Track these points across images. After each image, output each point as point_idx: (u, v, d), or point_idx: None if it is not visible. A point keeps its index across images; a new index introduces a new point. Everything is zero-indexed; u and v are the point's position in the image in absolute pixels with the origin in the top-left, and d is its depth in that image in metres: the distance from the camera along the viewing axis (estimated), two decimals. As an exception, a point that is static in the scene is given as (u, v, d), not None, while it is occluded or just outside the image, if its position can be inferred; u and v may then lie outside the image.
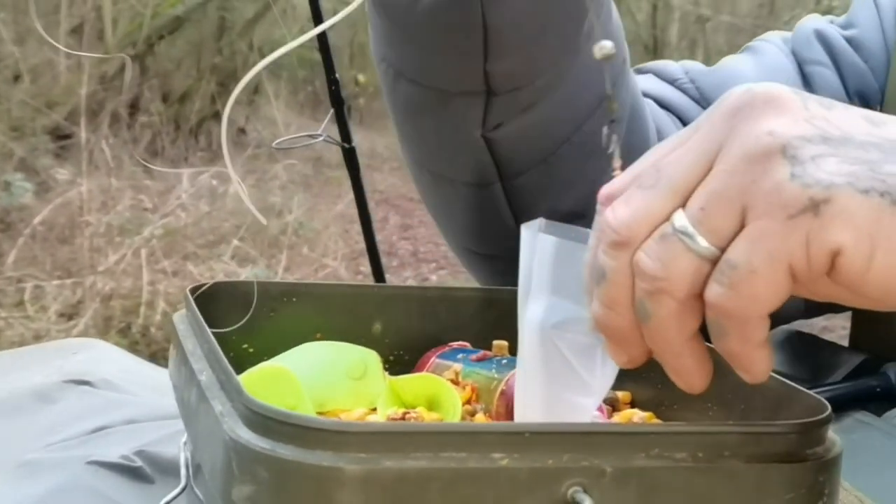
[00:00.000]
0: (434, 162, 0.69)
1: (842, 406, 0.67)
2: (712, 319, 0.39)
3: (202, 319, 0.48)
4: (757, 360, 0.40)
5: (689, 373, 0.41)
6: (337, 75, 1.19)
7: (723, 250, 0.38)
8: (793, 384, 0.47)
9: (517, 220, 0.66)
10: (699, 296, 0.39)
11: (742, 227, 0.38)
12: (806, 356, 0.72)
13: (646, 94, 0.76)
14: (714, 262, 0.38)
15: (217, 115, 4.20)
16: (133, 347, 2.61)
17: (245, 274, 3.13)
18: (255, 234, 3.50)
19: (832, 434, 0.44)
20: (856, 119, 0.39)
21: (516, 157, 0.65)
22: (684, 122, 0.75)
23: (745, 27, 4.99)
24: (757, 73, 0.75)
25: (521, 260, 0.45)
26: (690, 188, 0.39)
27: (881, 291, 0.37)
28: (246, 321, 0.55)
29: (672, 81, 0.78)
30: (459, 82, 0.63)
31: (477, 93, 0.63)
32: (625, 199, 0.40)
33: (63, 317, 2.79)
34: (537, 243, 0.44)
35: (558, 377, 0.45)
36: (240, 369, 0.55)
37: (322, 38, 1.17)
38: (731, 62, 0.78)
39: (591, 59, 0.44)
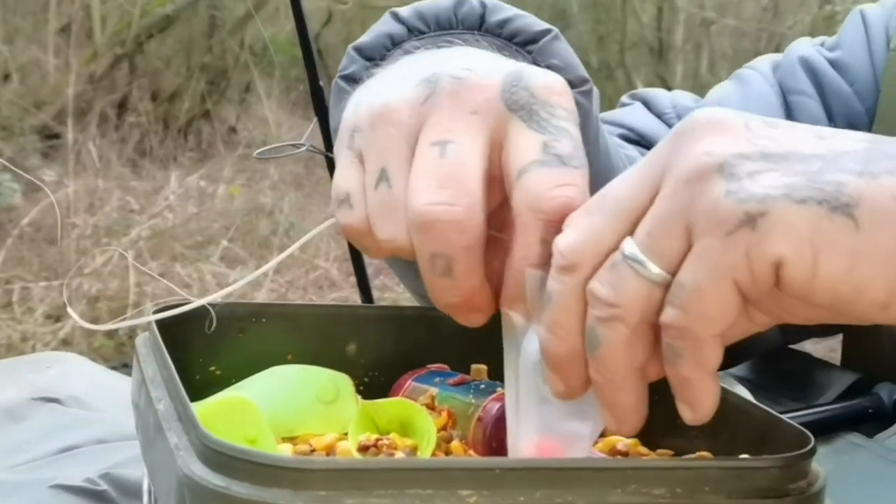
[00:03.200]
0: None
1: (833, 427, 0.66)
2: (667, 343, 0.39)
3: (162, 343, 0.47)
4: (706, 392, 0.39)
5: (625, 411, 0.41)
6: (321, 83, 1.17)
7: (673, 274, 0.38)
8: (777, 414, 0.45)
9: None
10: (650, 325, 0.39)
11: (688, 249, 0.38)
12: (797, 375, 0.71)
13: (631, 129, 0.75)
14: (665, 286, 0.38)
15: (207, 114, 4.18)
16: (119, 349, 2.59)
17: (233, 275, 3.11)
18: (245, 234, 3.48)
19: (816, 466, 0.42)
20: (803, 135, 0.39)
21: None
22: None
23: (748, 31, 4.99)
24: (741, 105, 0.74)
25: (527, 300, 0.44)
26: (635, 211, 0.39)
27: (830, 298, 0.37)
28: (213, 343, 0.53)
29: (660, 115, 0.78)
30: None
31: None
32: (572, 224, 0.41)
33: (50, 318, 2.77)
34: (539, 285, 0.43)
35: (555, 409, 0.44)
36: (206, 392, 0.53)
37: (305, 45, 1.15)
38: (716, 94, 0.78)
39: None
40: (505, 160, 0.44)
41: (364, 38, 0.57)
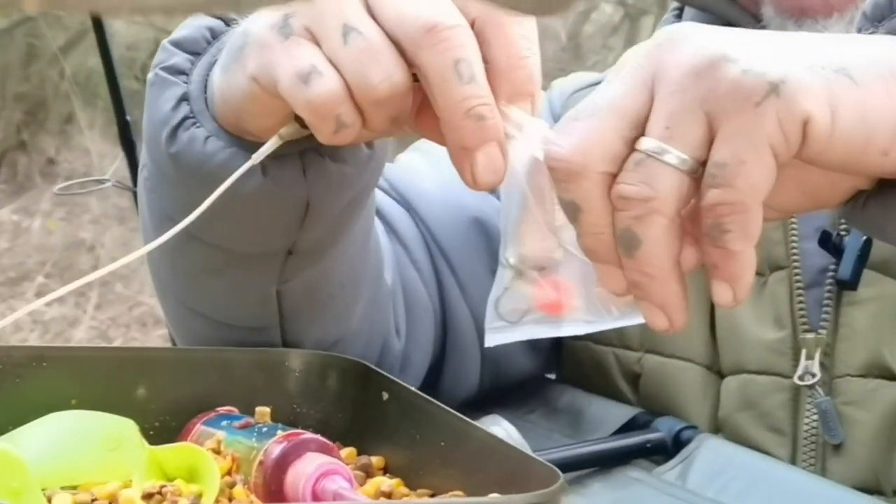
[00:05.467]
0: (214, 311, 0.63)
1: (612, 461, 0.66)
2: (712, 224, 0.41)
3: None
4: (748, 265, 0.42)
5: (676, 303, 0.43)
6: (129, 118, 1.15)
7: (697, 160, 0.41)
8: (529, 453, 0.47)
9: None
10: (679, 215, 0.42)
11: (709, 135, 0.41)
12: (572, 409, 0.71)
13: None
14: (691, 174, 0.41)
15: (23, 145, 4.00)
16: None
17: (50, 313, 2.98)
18: (63, 270, 3.34)
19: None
20: (765, 34, 0.44)
21: (301, 306, 0.63)
22: (389, 224, 0.73)
23: (548, 71, 5.14)
24: (434, 173, 0.74)
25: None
26: (634, 114, 0.42)
27: (844, 152, 0.41)
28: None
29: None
30: (267, 246, 0.59)
31: (279, 253, 0.59)
32: (565, 132, 0.43)
33: None
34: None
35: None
36: (-19, 442, 0.51)
37: (112, 78, 1.13)
38: (404, 156, 0.78)
39: None
40: None
41: (180, 33, 0.56)
